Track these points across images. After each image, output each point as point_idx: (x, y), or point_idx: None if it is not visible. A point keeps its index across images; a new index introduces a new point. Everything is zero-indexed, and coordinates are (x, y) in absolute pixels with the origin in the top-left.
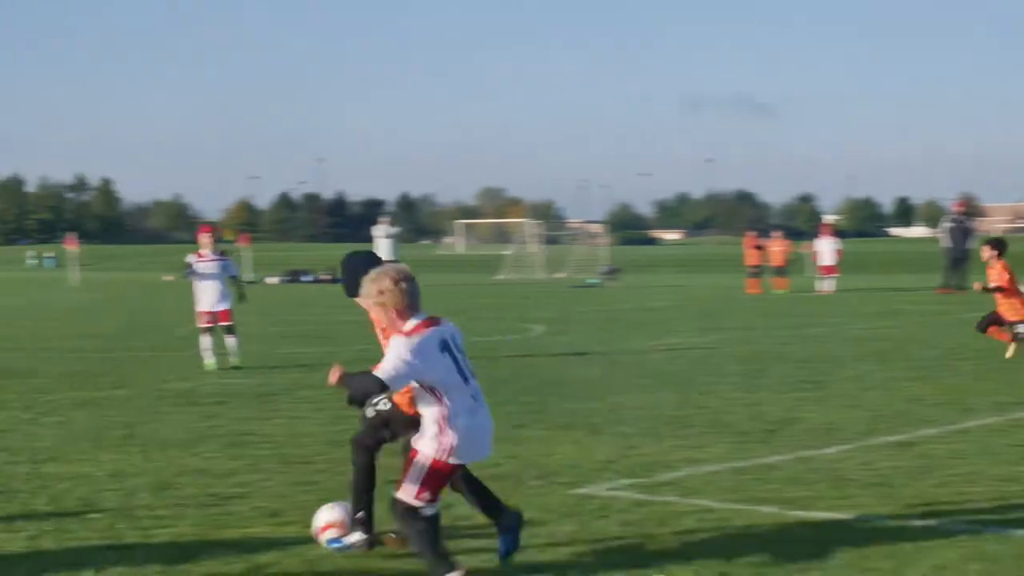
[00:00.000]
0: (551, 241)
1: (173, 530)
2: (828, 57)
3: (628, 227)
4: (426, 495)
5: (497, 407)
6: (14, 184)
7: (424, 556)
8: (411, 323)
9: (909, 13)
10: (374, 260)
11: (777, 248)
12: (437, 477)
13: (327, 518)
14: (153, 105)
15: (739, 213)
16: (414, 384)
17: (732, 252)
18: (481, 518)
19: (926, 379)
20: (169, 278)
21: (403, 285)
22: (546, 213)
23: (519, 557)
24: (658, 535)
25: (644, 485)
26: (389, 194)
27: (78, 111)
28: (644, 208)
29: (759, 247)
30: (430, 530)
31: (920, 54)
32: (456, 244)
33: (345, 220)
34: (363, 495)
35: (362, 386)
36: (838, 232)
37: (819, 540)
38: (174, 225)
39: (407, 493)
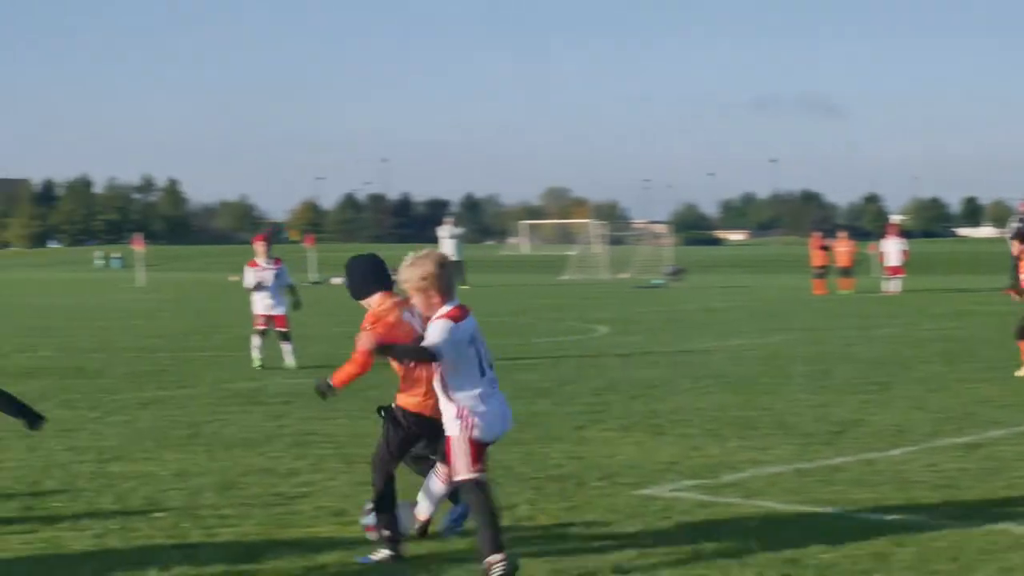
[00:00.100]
0: (615, 241)
1: (237, 529)
2: (895, 56)
3: (693, 227)
4: (479, 465)
5: (560, 407)
6: (82, 185)
7: (482, 530)
8: (447, 307)
9: (975, 12)
10: (378, 263)
11: (843, 248)
12: (477, 449)
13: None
14: (220, 106)
15: (805, 213)
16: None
17: (798, 253)
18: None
19: (993, 380)
20: (235, 278)
21: (443, 270)
22: (611, 213)
23: (583, 558)
24: (721, 536)
25: (707, 486)
26: (454, 194)
27: (147, 112)
28: (709, 208)
29: (825, 248)
30: (491, 508)
31: (988, 53)
32: (520, 244)
33: (410, 220)
34: (389, 511)
35: (413, 352)
36: (904, 232)
37: (883, 542)
38: (240, 226)
39: (464, 470)
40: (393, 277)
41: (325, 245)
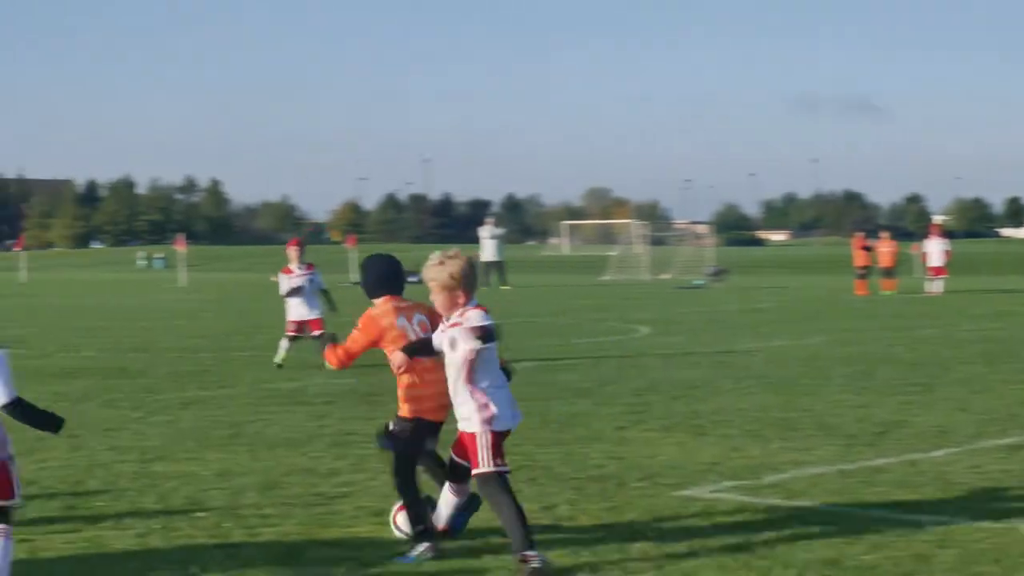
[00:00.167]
0: (656, 242)
1: (279, 529)
2: (937, 55)
3: (734, 228)
4: (499, 459)
5: (601, 408)
6: (125, 186)
7: (509, 528)
8: (470, 305)
9: (1018, 11)
10: (393, 265)
11: (885, 249)
12: (497, 442)
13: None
14: (261, 107)
15: (847, 214)
16: (455, 374)
17: (839, 253)
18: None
19: None
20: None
21: (472, 271)
22: (652, 214)
23: (623, 559)
24: (762, 538)
25: (749, 487)
26: (495, 195)
27: (189, 113)
28: (751, 209)
29: (867, 248)
30: (514, 504)
31: None
32: (562, 245)
33: (451, 221)
34: (417, 507)
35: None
36: (947, 233)
37: (925, 544)
38: (281, 226)
39: (485, 465)
40: (413, 279)
41: (366, 245)
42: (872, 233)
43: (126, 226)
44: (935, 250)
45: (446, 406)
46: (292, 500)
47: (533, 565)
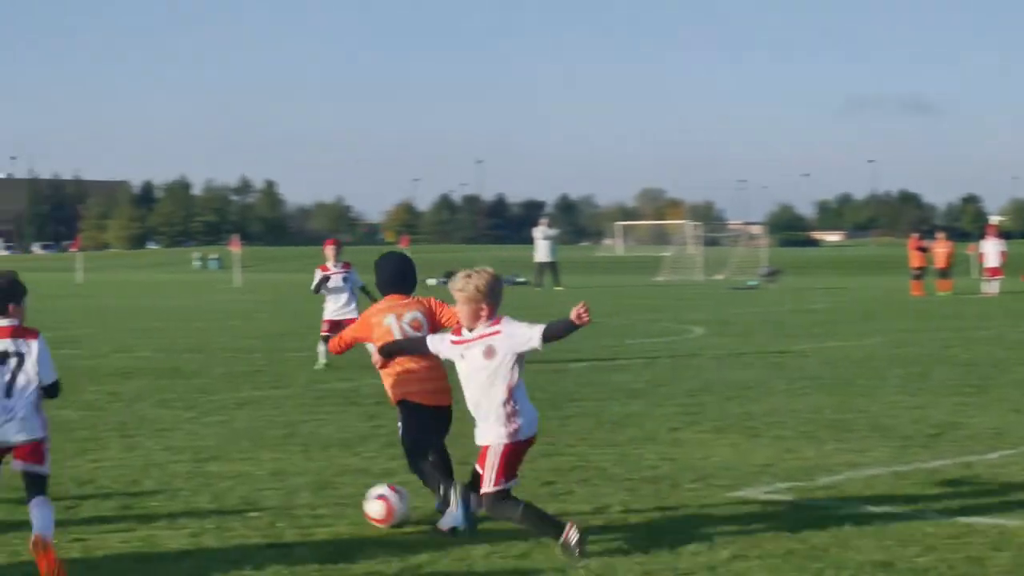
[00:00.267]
0: (710, 243)
1: (332, 529)
2: (993, 55)
3: (788, 228)
4: (503, 479)
5: (654, 409)
6: (181, 187)
7: (535, 529)
8: (493, 319)
9: None
10: (404, 266)
11: (941, 250)
12: (512, 458)
13: (379, 512)
14: (316, 108)
15: (902, 214)
16: (486, 384)
17: (895, 254)
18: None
19: None
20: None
21: (498, 286)
22: (706, 214)
23: (676, 560)
24: (815, 539)
25: (802, 489)
26: (549, 195)
27: (245, 113)
28: (805, 209)
29: (923, 249)
30: (526, 508)
31: None
32: (615, 246)
33: (505, 222)
34: (432, 480)
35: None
36: (1004, 233)
37: (980, 547)
38: (335, 227)
39: (489, 485)
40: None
41: (420, 246)
42: (928, 234)
43: (181, 227)
44: (992, 251)
45: (433, 391)
46: (345, 500)
47: (574, 539)
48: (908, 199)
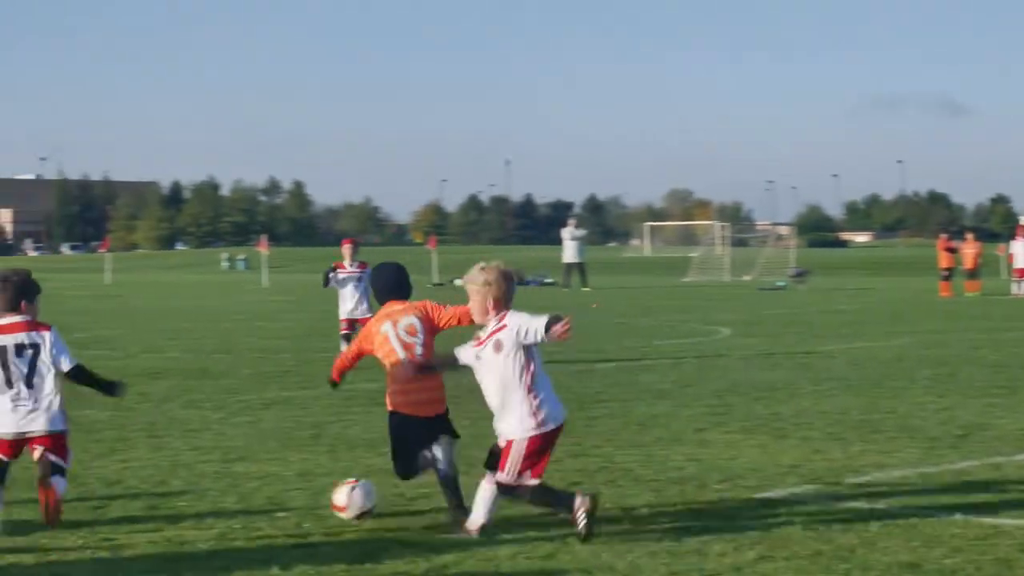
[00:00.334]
0: (738, 243)
1: (359, 530)
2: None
3: (816, 229)
4: (523, 472)
5: (681, 409)
6: (209, 188)
7: (548, 506)
8: (501, 314)
9: None
10: (399, 273)
11: (970, 250)
12: (536, 453)
13: (341, 501)
14: (343, 108)
15: (931, 215)
16: (507, 379)
17: (924, 254)
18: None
19: None
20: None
21: (506, 282)
22: (734, 215)
23: (702, 560)
24: (843, 540)
25: (830, 490)
26: (577, 196)
27: (273, 114)
28: (833, 210)
29: (951, 249)
30: (538, 487)
31: None
32: (643, 246)
33: (532, 222)
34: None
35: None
36: None
37: (1008, 548)
38: (363, 228)
39: (508, 476)
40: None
41: (447, 247)
42: (957, 234)
43: (210, 228)
44: (1021, 251)
45: (417, 402)
46: None
47: (584, 509)
48: (937, 199)
